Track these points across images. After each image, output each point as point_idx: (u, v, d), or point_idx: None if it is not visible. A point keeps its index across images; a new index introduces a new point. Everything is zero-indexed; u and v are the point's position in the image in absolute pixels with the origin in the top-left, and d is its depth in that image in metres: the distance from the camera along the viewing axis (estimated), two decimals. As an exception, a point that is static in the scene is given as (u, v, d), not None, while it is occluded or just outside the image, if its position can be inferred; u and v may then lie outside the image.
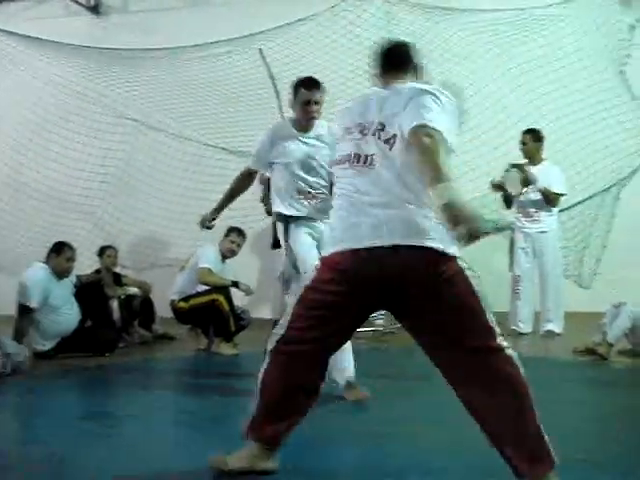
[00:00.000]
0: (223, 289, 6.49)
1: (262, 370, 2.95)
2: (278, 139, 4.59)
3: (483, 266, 7.79)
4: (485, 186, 7.13)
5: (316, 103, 4.57)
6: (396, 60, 3.08)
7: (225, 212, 4.93)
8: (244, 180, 4.87)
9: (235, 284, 6.59)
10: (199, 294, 6.47)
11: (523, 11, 7.49)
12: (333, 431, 3.74)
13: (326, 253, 2.88)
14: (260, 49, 6.86)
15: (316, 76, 7.83)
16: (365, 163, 2.80)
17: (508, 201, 6.78)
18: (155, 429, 4.00)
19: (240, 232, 6.89)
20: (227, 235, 6.83)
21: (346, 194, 2.85)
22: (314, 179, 4.52)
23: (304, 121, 4.58)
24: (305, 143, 4.57)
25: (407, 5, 7.98)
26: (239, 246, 6.88)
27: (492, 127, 7.54)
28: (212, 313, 6.42)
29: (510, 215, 6.93)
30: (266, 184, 7.01)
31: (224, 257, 6.79)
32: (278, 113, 6.84)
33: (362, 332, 6.88)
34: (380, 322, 6.94)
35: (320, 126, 4.61)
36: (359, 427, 3.82)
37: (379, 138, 2.79)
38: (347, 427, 3.83)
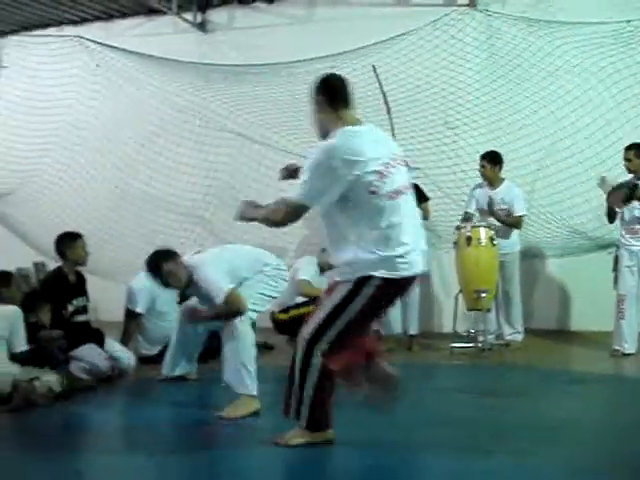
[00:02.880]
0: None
1: None
2: None
3: (588, 285, 7.69)
4: (591, 199, 7.03)
5: None
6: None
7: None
8: None
9: None
10: (299, 305, 6.55)
11: (629, 23, 7.30)
12: (432, 443, 3.75)
13: None
14: (373, 65, 6.93)
15: (416, 90, 7.92)
16: None
17: (611, 216, 6.62)
18: (255, 435, 4.10)
19: None
20: (325, 250, 6.90)
21: None
22: None
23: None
24: None
25: (509, 19, 7.91)
26: None
27: (597, 141, 7.38)
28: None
29: (615, 232, 6.77)
30: None
31: (322, 270, 6.87)
32: (388, 128, 6.90)
33: (462, 348, 6.85)
34: (480, 339, 6.87)
35: None
36: (463, 442, 3.81)
37: None
38: (447, 440, 3.83)
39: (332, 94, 3.63)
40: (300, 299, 6.60)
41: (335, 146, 3.43)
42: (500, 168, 7.18)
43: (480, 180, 7.27)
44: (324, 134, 3.61)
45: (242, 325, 4.59)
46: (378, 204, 3.43)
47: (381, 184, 3.42)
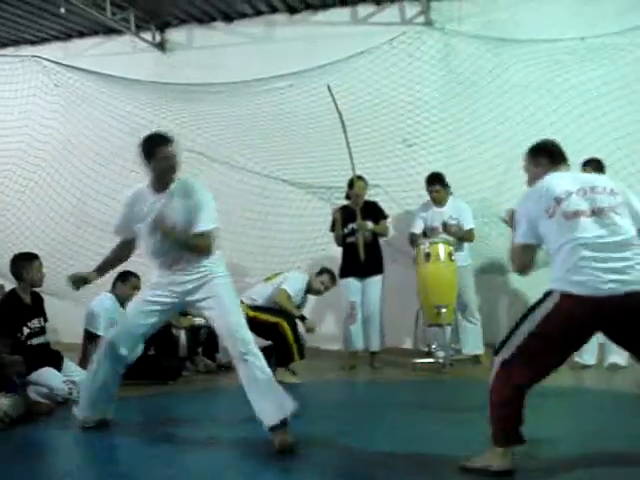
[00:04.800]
0: (290, 317, 6.55)
1: None
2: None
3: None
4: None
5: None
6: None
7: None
8: (123, 248, 4.90)
9: (302, 318, 6.65)
10: (268, 310, 6.49)
11: (583, 40, 7.45)
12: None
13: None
14: (328, 85, 6.97)
15: (374, 108, 7.97)
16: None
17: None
18: (216, 458, 4.07)
19: (333, 277, 6.98)
20: (320, 274, 6.91)
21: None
22: None
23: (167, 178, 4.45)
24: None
25: (466, 37, 8.02)
26: (327, 289, 6.97)
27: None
28: (272, 335, 6.44)
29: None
30: (338, 215, 7.13)
31: (308, 291, 6.88)
32: (345, 146, 6.95)
33: (423, 363, 6.87)
34: (440, 354, 6.91)
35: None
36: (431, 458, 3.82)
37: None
38: (403, 457, 3.83)
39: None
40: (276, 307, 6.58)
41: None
42: (448, 187, 7.31)
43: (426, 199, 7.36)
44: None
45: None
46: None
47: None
